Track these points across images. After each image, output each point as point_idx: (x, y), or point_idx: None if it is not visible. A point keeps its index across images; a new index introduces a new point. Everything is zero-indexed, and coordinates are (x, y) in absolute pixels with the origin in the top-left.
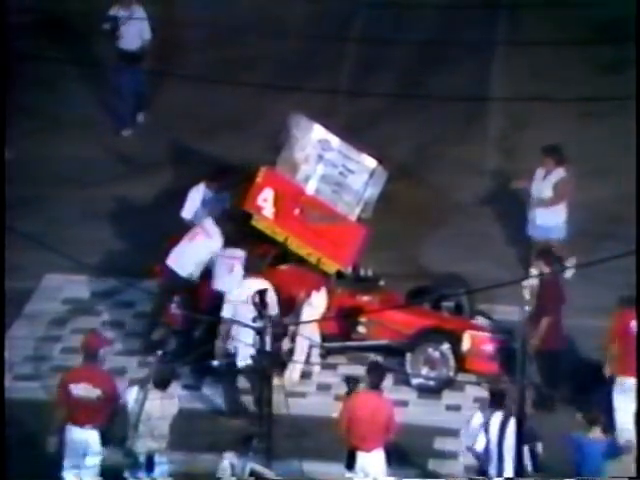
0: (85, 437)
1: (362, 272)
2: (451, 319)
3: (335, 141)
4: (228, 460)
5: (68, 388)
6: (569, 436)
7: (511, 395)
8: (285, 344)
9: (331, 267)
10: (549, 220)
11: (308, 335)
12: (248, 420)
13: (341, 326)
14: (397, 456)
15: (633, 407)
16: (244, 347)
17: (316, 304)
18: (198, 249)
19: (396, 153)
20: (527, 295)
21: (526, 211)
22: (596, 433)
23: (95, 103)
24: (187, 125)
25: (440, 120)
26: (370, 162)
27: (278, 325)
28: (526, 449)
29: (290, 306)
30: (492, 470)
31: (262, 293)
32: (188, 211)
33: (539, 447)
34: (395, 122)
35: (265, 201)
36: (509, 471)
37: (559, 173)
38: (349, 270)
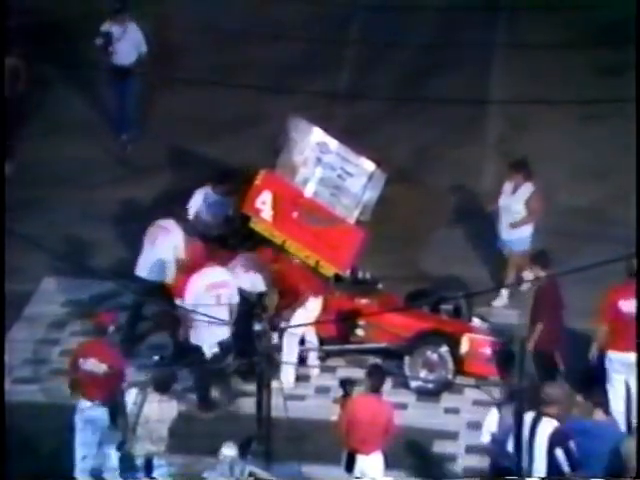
0: (95, 412)
1: (360, 275)
2: (450, 322)
3: (334, 144)
4: (227, 461)
5: (78, 362)
6: (572, 422)
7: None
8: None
9: (329, 270)
10: (516, 234)
11: (308, 338)
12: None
13: (340, 329)
14: (396, 459)
15: (624, 382)
16: (208, 337)
17: (311, 308)
18: (162, 250)
19: (395, 156)
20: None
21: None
22: (599, 415)
23: (95, 106)
24: (187, 128)
25: (439, 123)
26: (369, 165)
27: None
28: (560, 450)
29: (291, 300)
30: (523, 470)
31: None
32: (190, 211)
33: (572, 446)
34: (394, 125)
35: (264, 204)
36: (539, 471)
37: (528, 188)
38: (347, 273)
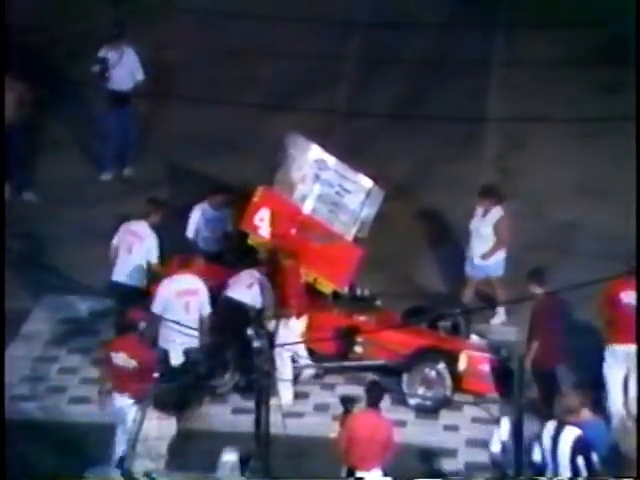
0: (126, 406)
1: (359, 292)
2: (448, 339)
3: (332, 161)
4: (227, 467)
5: (109, 356)
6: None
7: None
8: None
9: (328, 287)
10: (489, 260)
11: (299, 353)
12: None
13: (338, 346)
14: (395, 476)
15: (622, 376)
16: (176, 345)
17: (292, 328)
18: (138, 256)
19: (393, 172)
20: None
21: (466, 249)
22: (585, 414)
23: (95, 123)
24: (185, 145)
25: (437, 139)
26: (366, 182)
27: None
28: (581, 459)
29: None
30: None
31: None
32: (190, 230)
33: (594, 456)
34: (392, 141)
35: (262, 221)
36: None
37: (498, 211)
38: (346, 290)
